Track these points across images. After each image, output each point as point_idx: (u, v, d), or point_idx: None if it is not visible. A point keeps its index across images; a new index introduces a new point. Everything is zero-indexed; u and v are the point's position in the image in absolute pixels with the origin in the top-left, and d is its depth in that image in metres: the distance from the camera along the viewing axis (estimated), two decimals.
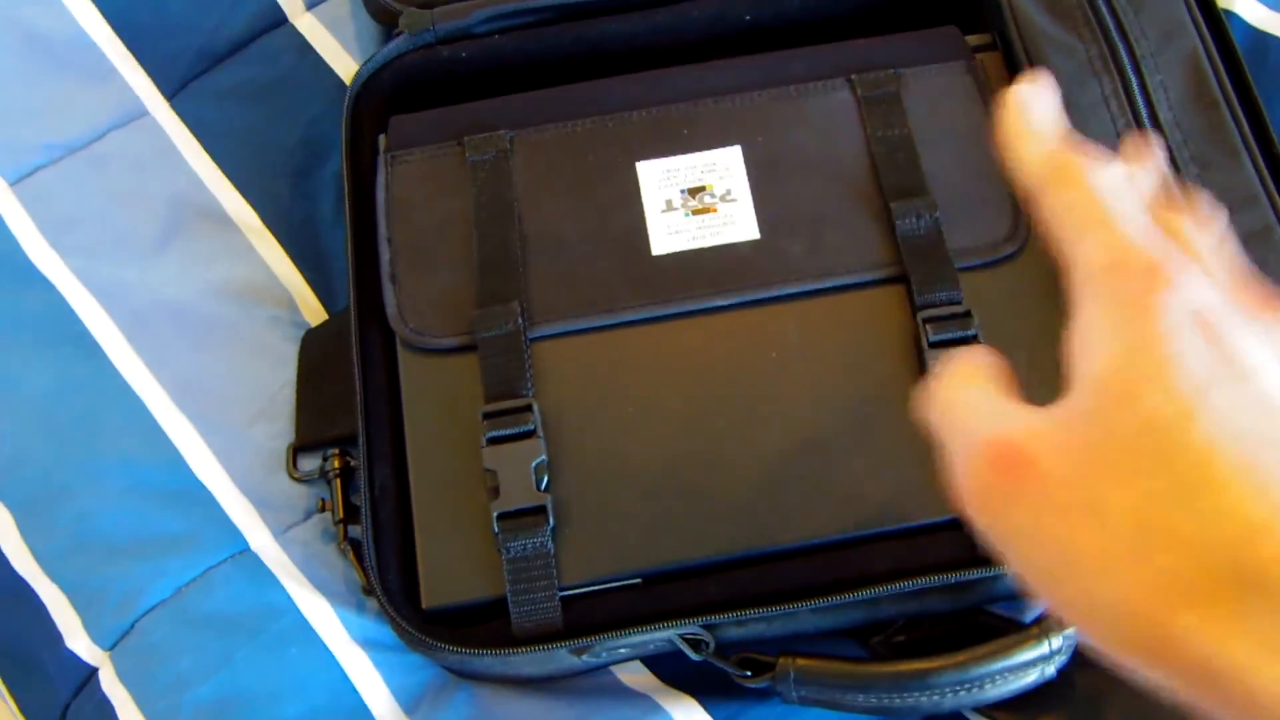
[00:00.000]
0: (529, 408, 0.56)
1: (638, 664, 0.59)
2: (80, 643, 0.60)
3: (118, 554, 0.60)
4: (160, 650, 0.58)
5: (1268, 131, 0.60)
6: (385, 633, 0.59)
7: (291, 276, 0.68)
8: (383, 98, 0.66)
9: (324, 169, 0.70)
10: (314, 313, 0.68)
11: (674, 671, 0.59)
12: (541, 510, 0.55)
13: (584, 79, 0.65)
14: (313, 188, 0.70)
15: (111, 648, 0.59)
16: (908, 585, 0.53)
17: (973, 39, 0.65)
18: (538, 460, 0.55)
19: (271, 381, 0.64)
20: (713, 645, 0.55)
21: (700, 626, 0.54)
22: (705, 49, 0.67)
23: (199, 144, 0.71)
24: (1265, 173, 0.58)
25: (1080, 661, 0.57)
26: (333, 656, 0.58)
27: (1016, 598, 0.59)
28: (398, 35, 0.67)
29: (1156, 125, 0.59)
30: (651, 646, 0.56)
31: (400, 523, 0.57)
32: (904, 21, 0.67)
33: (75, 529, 0.61)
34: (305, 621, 0.58)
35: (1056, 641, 0.53)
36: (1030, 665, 0.53)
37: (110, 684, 0.58)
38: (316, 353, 0.65)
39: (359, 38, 0.74)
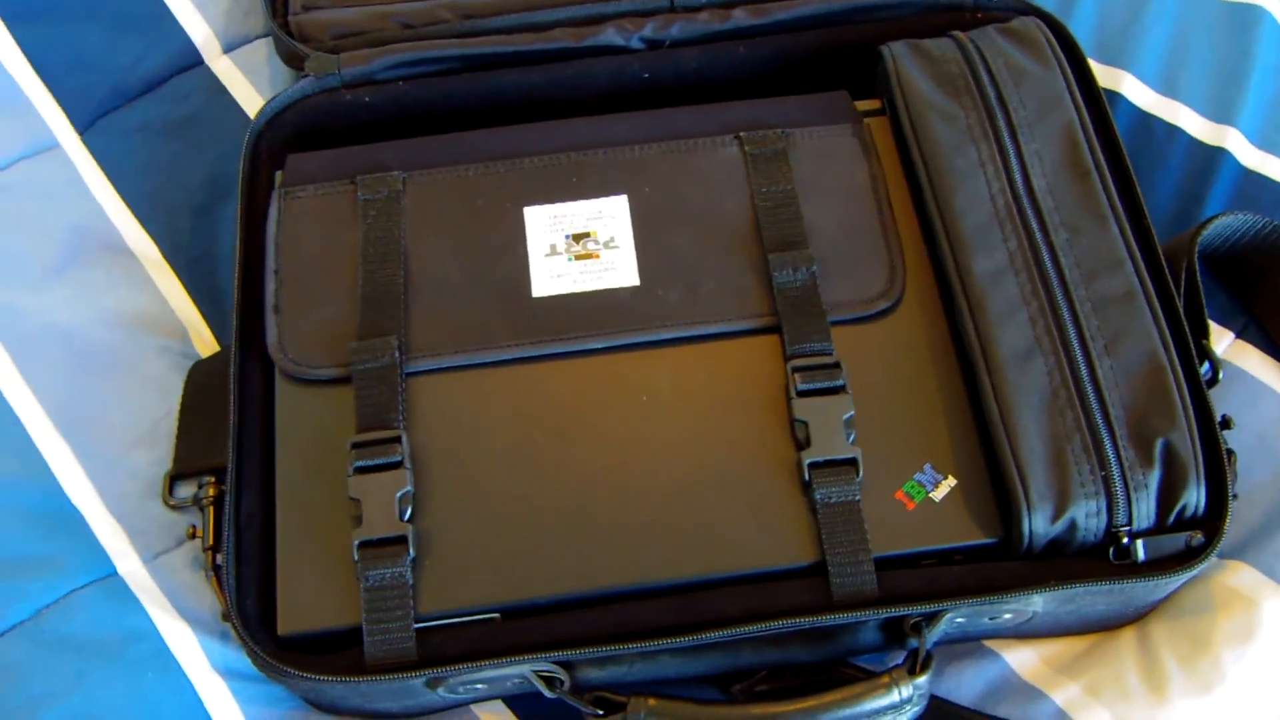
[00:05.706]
0: (398, 439, 0.57)
1: (499, 703, 0.59)
2: None
3: None
4: (14, 671, 0.57)
5: (1138, 201, 0.62)
6: (247, 662, 0.58)
7: (187, 309, 0.69)
8: (285, 138, 0.68)
9: (227, 206, 0.71)
10: (207, 345, 0.68)
11: (534, 712, 0.59)
12: (402, 540, 0.55)
13: (484, 127, 0.67)
14: (214, 224, 0.71)
15: None
16: (761, 629, 0.53)
17: (862, 104, 0.67)
18: (403, 491, 0.56)
19: (155, 410, 0.65)
20: (568, 684, 0.54)
21: (555, 664, 0.54)
22: (603, 104, 0.69)
23: (105, 177, 0.72)
24: (1131, 239, 0.60)
25: (935, 714, 0.57)
26: (190, 684, 0.58)
27: (879, 649, 0.59)
28: (305, 78, 0.68)
29: (1030, 191, 0.61)
30: (510, 684, 0.56)
31: (264, 550, 0.57)
32: (801, 85, 0.69)
33: None
34: (165, 647, 0.58)
35: (906, 690, 0.53)
36: (879, 714, 0.53)
37: None
38: (201, 384, 0.65)
39: (273, 82, 0.75)
